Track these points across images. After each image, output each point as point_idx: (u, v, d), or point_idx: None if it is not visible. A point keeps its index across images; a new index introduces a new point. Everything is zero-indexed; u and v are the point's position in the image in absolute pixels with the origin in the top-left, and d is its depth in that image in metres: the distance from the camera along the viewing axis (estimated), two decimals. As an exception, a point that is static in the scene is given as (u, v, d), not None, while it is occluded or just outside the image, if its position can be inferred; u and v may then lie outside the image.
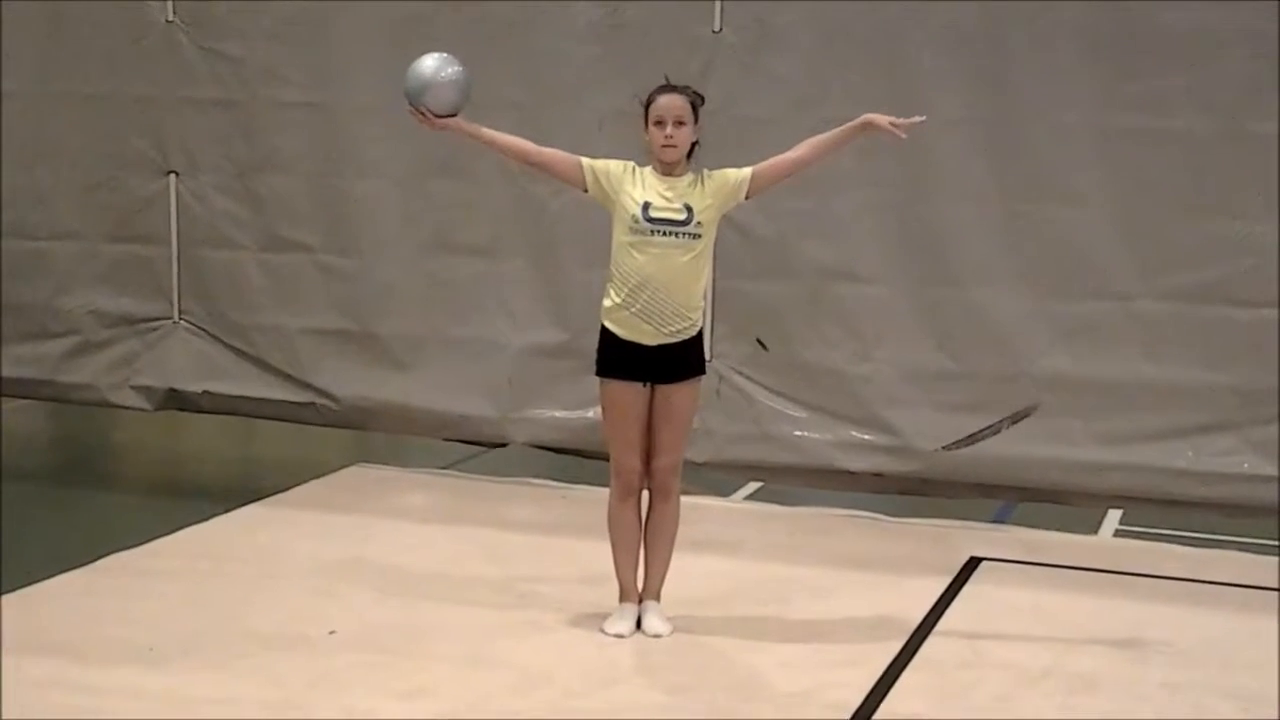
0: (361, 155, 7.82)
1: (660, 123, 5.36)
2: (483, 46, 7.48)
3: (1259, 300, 6.67)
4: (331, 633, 5.52)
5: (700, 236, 5.39)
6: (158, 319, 8.26)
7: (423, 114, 5.48)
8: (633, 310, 5.39)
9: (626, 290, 5.40)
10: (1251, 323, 6.69)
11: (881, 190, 7.11)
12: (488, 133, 5.57)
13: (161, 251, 8.17)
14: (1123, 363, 6.88)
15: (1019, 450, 7.02)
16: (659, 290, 5.37)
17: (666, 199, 5.36)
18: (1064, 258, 6.92)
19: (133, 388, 8.28)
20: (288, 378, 8.07)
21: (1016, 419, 7.04)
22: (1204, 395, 6.80)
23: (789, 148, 5.56)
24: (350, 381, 7.98)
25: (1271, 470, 6.76)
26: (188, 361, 8.20)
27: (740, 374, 7.43)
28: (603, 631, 5.55)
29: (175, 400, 8.28)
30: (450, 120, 5.51)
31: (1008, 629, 5.77)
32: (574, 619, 5.71)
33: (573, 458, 7.74)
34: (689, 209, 5.36)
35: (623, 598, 5.63)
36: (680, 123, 5.36)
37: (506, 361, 7.73)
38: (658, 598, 5.64)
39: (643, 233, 5.35)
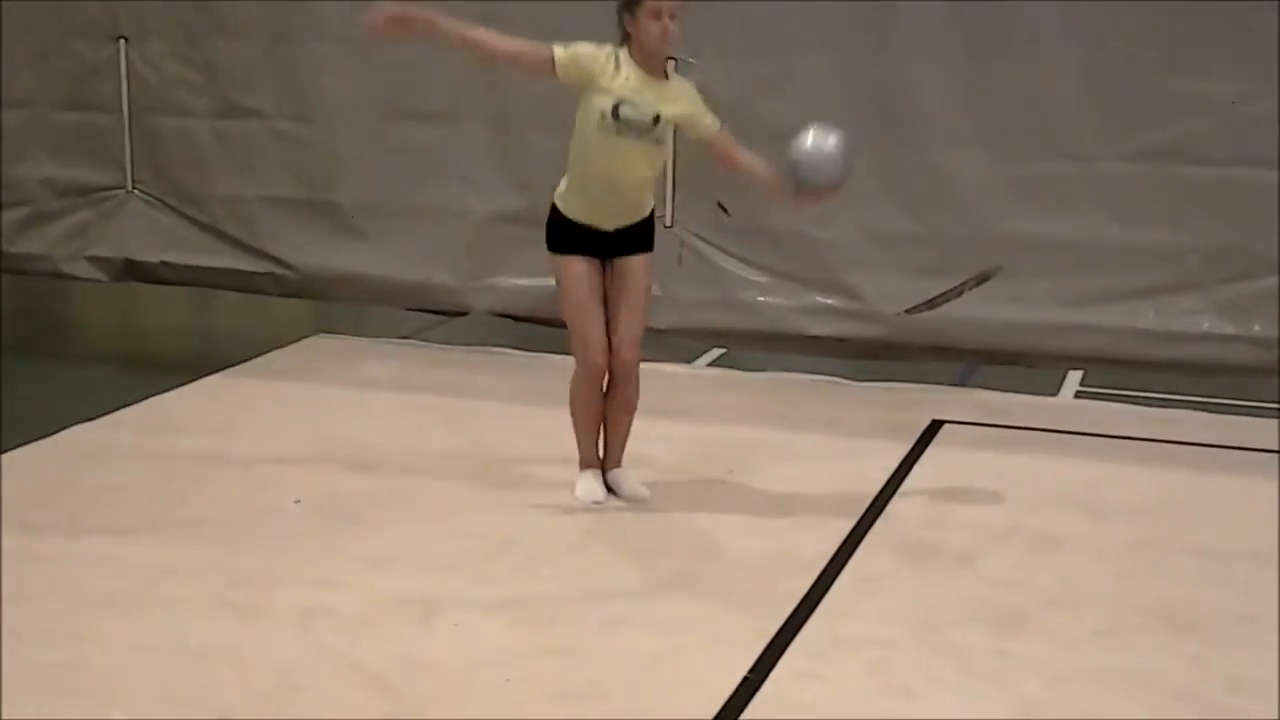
0: (315, 19, 7.67)
1: (659, 15, 5.16)
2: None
3: (1223, 159, 6.63)
4: (297, 501, 5.51)
5: (662, 141, 5.33)
6: (111, 188, 8.15)
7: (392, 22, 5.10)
8: (587, 199, 5.34)
9: (583, 181, 5.34)
10: (1215, 182, 6.66)
11: (844, 52, 7.02)
12: (449, 26, 5.20)
13: (113, 119, 8.04)
14: (1086, 224, 6.86)
15: (981, 313, 7.03)
16: (615, 186, 5.31)
17: (640, 102, 5.21)
18: (1028, 119, 6.86)
19: (88, 259, 8.21)
20: (245, 247, 8.00)
21: (980, 281, 7.03)
22: (1167, 255, 6.80)
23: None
24: (308, 250, 7.91)
25: (1231, 329, 6.78)
26: (143, 232, 8.12)
27: (702, 239, 7.39)
28: (577, 499, 5.54)
29: (132, 271, 8.21)
30: (408, 10, 5.12)
31: (970, 490, 5.81)
32: (539, 486, 5.72)
33: (534, 326, 7.71)
34: (657, 118, 5.24)
35: (584, 466, 5.63)
36: (675, 16, 5.20)
37: (467, 229, 7.67)
38: (620, 465, 5.66)
39: (608, 131, 5.22)
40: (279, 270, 7.97)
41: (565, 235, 5.41)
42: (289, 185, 7.89)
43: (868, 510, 5.54)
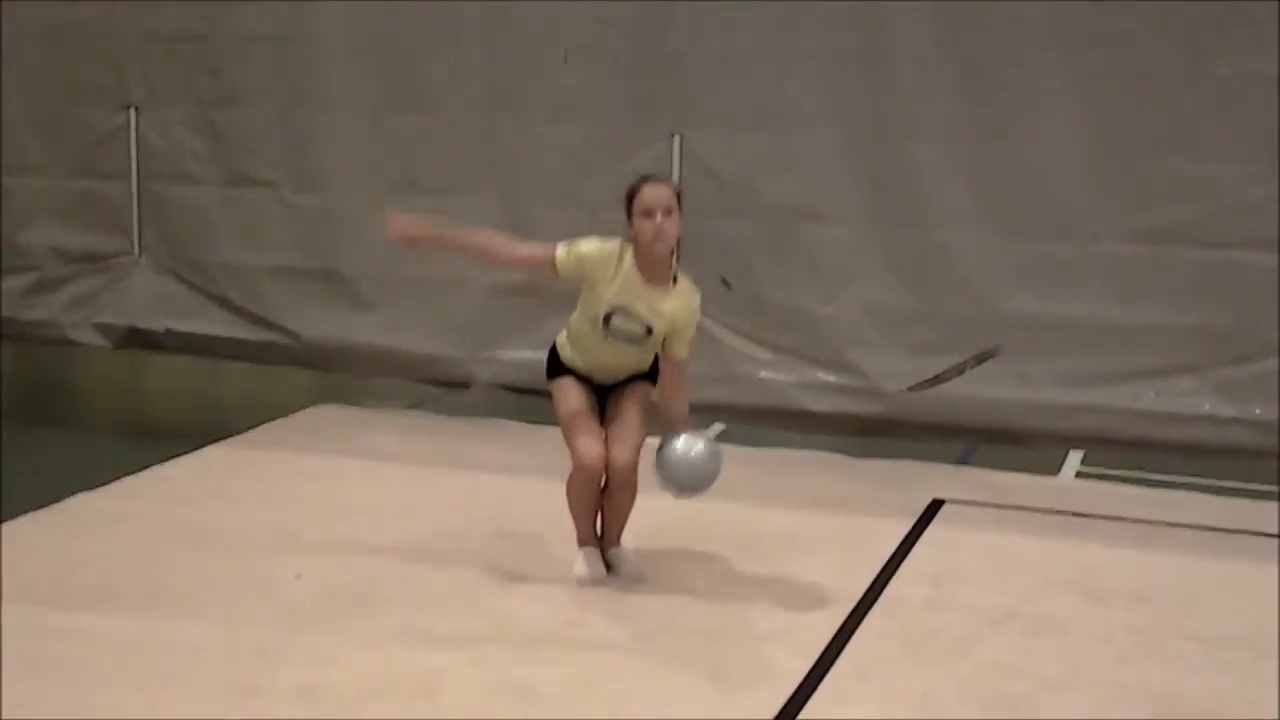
0: (325, 90, 7.75)
1: (649, 213, 5.23)
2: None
3: (1224, 242, 6.68)
4: (298, 576, 5.50)
5: (652, 344, 5.44)
6: (118, 255, 8.19)
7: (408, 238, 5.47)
8: (583, 363, 5.52)
9: (580, 352, 5.50)
10: (1217, 264, 6.70)
11: (848, 129, 7.08)
12: (454, 237, 5.59)
13: (122, 187, 8.10)
14: (1088, 304, 6.89)
15: (983, 391, 7.04)
16: (610, 368, 5.50)
17: (634, 312, 5.31)
18: (1030, 199, 6.92)
19: (93, 325, 8.23)
20: (250, 316, 8.03)
21: (981, 360, 7.06)
22: (1168, 336, 6.82)
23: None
24: (313, 320, 7.94)
25: (1231, 412, 6.80)
26: (149, 299, 8.15)
27: (705, 314, 7.37)
28: (576, 577, 5.52)
29: (137, 338, 8.23)
30: (418, 229, 5.47)
31: (971, 571, 5.80)
32: (540, 563, 5.71)
33: (536, 398, 7.71)
34: (649, 330, 5.35)
35: (582, 544, 5.61)
36: (669, 212, 5.24)
37: (471, 301, 7.71)
38: (619, 544, 5.65)
39: (599, 333, 5.38)
40: (283, 340, 7.99)
41: (561, 369, 5.60)
42: (295, 255, 7.93)
43: (868, 590, 5.53)
